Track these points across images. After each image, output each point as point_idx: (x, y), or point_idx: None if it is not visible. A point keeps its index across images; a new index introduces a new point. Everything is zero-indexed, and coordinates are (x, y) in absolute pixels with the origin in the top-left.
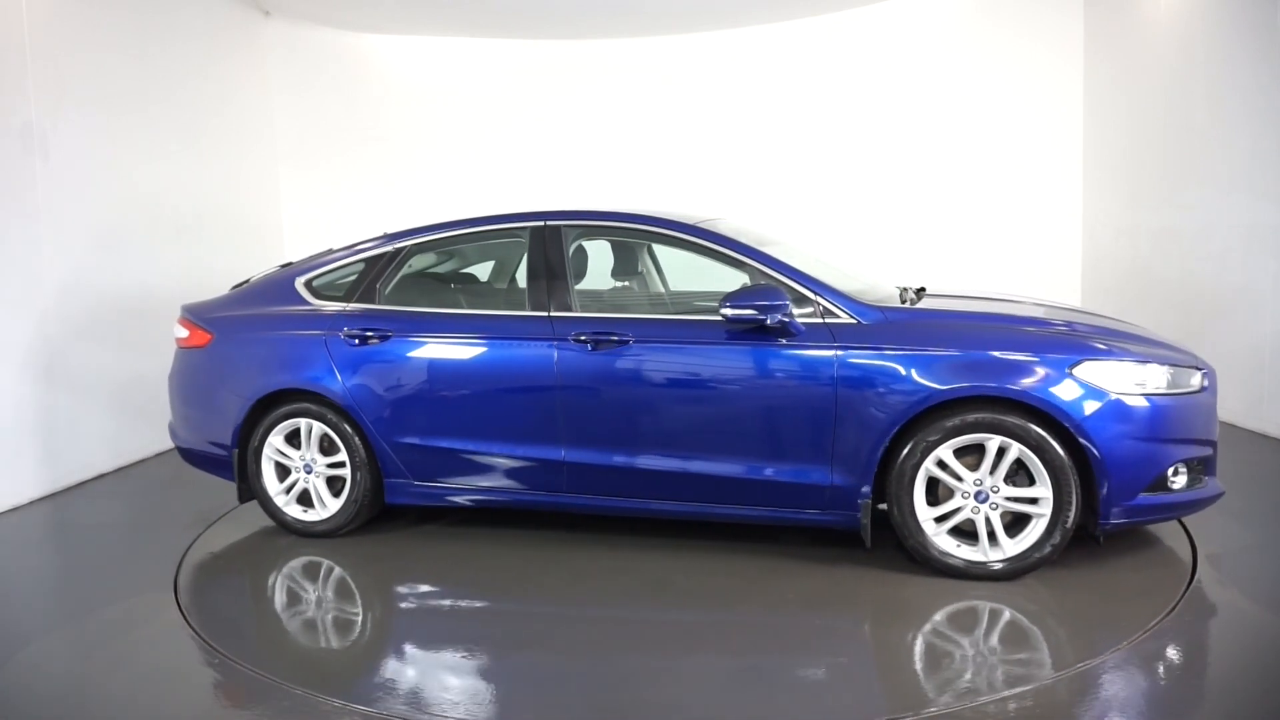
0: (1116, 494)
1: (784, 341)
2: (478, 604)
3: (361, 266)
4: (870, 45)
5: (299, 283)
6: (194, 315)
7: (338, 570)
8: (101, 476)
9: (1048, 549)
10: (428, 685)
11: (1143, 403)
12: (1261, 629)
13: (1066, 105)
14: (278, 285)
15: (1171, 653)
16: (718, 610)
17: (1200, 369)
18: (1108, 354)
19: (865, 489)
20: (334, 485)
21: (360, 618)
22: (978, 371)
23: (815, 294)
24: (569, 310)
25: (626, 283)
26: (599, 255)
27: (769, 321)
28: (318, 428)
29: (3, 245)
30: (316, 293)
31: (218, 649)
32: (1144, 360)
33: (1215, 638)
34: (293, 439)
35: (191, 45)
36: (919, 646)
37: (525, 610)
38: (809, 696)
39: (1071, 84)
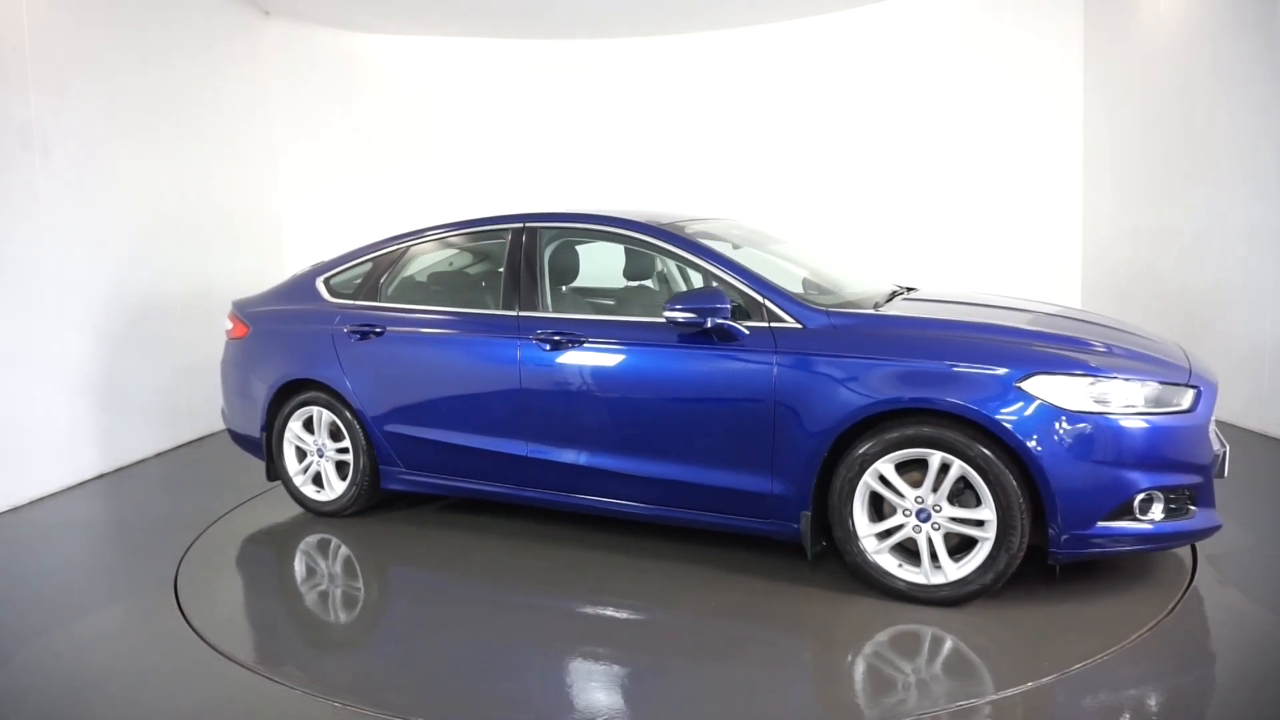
0: (1069, 521)
1: (726, 345)
2: (447, 592)
3: (369, 266)
4: (870, 45)
5: (319, 281)
6: (238, 309)
7: (335, 562)
8: (102, 476)
9: (990, 576)
10: (407, 685)
11: (1103, 421)
12: (1262, 630)
13: (1066, 105)
14: (303, 283)
15: (1169, 654)
16: (643, 610)
17: (1193, 387)
18: (1062, 366)
19: (805, 499)
20: (342, 470)
21: (357, 615)
22: (914, 382)
23: (762, 297)
24: (536, 310)
25: (641, 284)
26: (613, 258)
27: (708, 324)
28: (326, 416)
29: (2, 244)
30: (332, 290)
31: (217, 648)
32: (1107, 374)
33: (1214, 639)
34: (309, 425)
35: (191, 45)
36: (854, 665)
37: (463, 594)
38: (678, 702)
39: (1071, 84)
